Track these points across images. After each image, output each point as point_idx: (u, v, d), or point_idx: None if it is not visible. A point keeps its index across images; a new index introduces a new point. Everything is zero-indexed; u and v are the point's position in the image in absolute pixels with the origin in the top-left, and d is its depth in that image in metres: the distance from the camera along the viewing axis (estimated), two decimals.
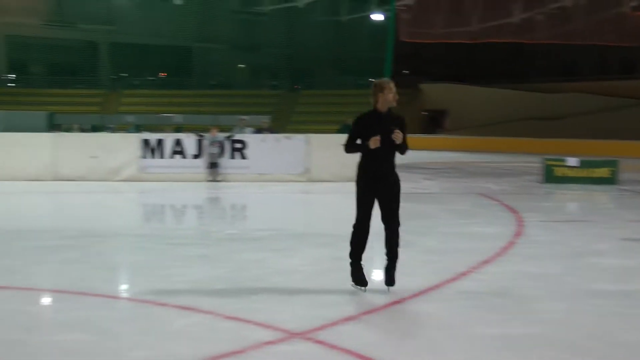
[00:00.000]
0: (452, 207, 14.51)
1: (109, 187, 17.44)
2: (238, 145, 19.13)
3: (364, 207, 6.72)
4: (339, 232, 10.61)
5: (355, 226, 6.78)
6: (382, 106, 6.63)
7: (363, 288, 6.78)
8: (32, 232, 10.53)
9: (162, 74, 57.88)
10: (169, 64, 56.88)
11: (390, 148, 6.60)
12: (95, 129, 37.27)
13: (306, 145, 19.08)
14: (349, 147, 6.77)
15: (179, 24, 54.07)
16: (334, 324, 5.68)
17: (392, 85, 6.64)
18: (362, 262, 6.88)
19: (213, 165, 18.83)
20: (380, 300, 6.48)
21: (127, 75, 56.37)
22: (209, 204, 15.77)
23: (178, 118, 39.56)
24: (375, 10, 51.26)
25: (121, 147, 18.93)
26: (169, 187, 17.45)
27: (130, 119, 41.49)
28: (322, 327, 5.55)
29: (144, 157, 18.79)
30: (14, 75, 55.39)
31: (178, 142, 19.03)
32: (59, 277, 7.53)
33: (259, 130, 22.04)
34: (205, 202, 15.97)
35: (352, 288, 6.82)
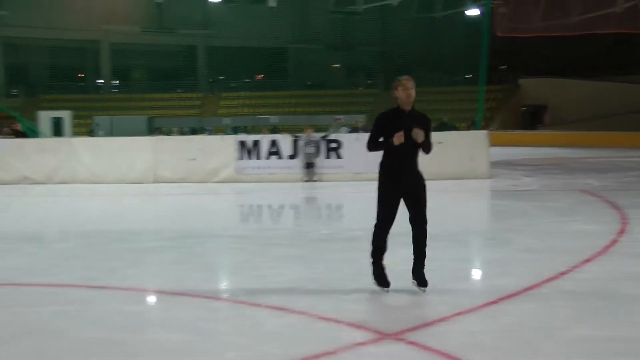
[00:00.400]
0: (552, 204, 14.10)
1: (207, 189, 17.78)
2: (333, 145, 19.17)
3: (385, 206, 6.53)
4: (434, 232, 10.45)
5: (376, 225, 6.62)
6: (402, 104, 6.50)
7: (386, 289, 6.61)
8: (133, 233, 10.83)
9: (258, 76, 58.67)
10: (265, 65, 57.62)
11: (413, 146, 6.45)
12: (193, 131, 38.08)
13: None
14: (372, 145, 6.60)
15: (274, 26, 54.70)
16: (427, 324, 5.59)
17: (406, 82, 6.48)
18: (384, 262, 6.70)
19: (309, 166, 18.93)
20: (475, 300, 6.35)
21: (224, 78, 57.40)
22: (304, 204, 15.86)
23: (274, 119, 40.03)
24: (470, 6, 50.50)
25: (218, 149, 19.26)
26: (265, 188, 17.65)
27: (227, 121, 42.21)
28: (414, 328, 5.47)
29: (241, 158, 19.07)
30: (117, 82, 57.25)
31: (274, 143, 19.23)
32: (158, 278, 7.70)
33: (353, 129, 22.02)
34: (301, 202, 16.07)
35: (448, 288, 6.71)
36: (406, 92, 6.45)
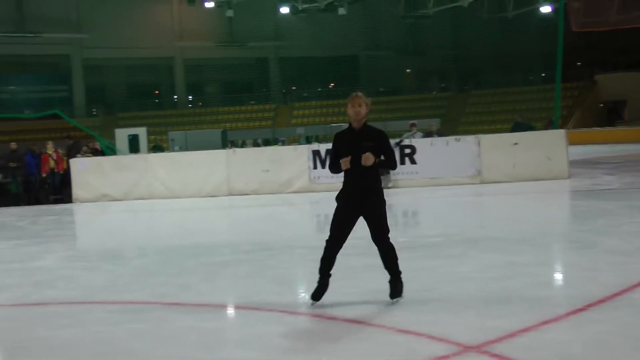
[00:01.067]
0: (637, 202, 13.53)
1: (281, 200, 17.76)
2: (407, 151, 18.91)
3: (337, 223, 6.50)
4: (513, 236, 10.20)
5: (327, 241, 6.57)
6: (353, 122, 6.37)
7: (314, 302, 6.53)
8: (207, 247, 10.81)
9: (330, 85, 58.73)
10: (337, 73, 57.60)
11: (365, 166, 6.24)
12: (267, 142, 38.31)
13: (477, 146, 18.55)
14: (332, 167, 6.58)
15: (345, 34, 54.67)
16: (511, 335, 5.31)
17: (355, 100, 6.31)
18: (329, 278, 6.61)
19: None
20: (560, 308, 6.04)
21: (296, 88, 57.66)
22: None
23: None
24: (543, 3, 49.44)
25: (292, 160, 19.23)
26: None
27: (300, 131, 42.31)
28: (498, 339, 5.20)
29: (314, 167, 18.99)
30: (192, 97, 58.15)
31: None
32: (232, 293, 7.61)
33: (427, 133, 21.70)
34: None
35: (530, 295, 6.42)
36: (354, 109, 6.30)
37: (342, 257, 9.14)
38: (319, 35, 54.55)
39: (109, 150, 23.47)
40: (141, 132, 26.99)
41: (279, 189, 18.90)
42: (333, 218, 6.54)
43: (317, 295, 6.58)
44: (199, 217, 16.13)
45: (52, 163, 20.96)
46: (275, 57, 58.33)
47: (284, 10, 53.23)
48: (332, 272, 6.65)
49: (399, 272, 6.62)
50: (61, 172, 20.85)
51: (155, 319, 6.47)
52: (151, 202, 19.08)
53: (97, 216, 17.42)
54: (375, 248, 9.12)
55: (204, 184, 19.31)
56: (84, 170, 20.04)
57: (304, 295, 7.39)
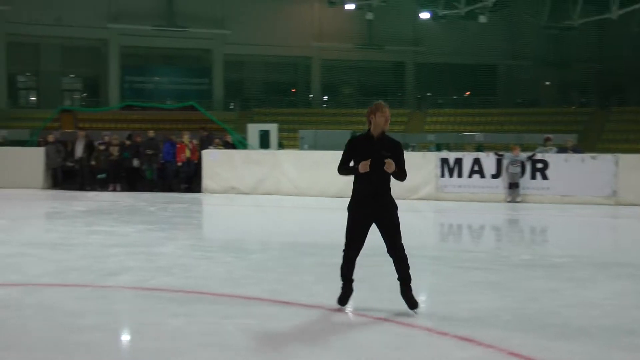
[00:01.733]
0: None
1: (406, 206, 17.44)
2: (539, 165, 18.27)
3: (352, 232, 6.64)
4: None
5: (344, 251, 6.72)
6: (374, 130, 6.51)
7: (341, 307, 6.69)
8: (326, 247, 10.74)
9: (466, 93, 57.76)
10: (474, 82, 56.55)
11: (383, 173, 6.44)
12: None
13: (614, 165, 17.68)
14: (341, 169, 6.75)
15: (484, 42, 53.63)
16: None
17: (386, 110, 6.50)
18: (352, 284, 6.80)
19: (512, 186, 18.17)
20: None
21: (431, 94, 57.06)
22: (506, 225, 15.17)
23: (479, 137, 39.11)
24: None
25: (420, 166, 18.94)
26: (466, 207, 17.12)
27: (431, 137, 41.83)
28: None
29: (442, 175, 18.65)
30: (326, 97, 58.63)
31: (477, 161, 18.63)
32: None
33: (562, 149, 20.90)
34: (503, 223, 15.39)
35: None
36: (384, 117, 6.48)
37: (463, 270, 8.89)
38: (458, 42, 53.73)
39: (240, 144, 23.93)
40: (272, 128, 27.37)
41: (405, 195, 18.64)
42: (347, 226, 6.70)
43: (343, 300, 6.76)
44: (322, 216, 16.15)
45: (188, 153, 21.57)
46: (413, 62, 57.92)
47: (424, 15, 52.74)
48: (354, 277, 6.84)
49: (410, 280, 6.72)
50: (195, 162, 21.42)
51: (264, 315, 6.44)
52: (277, 197, 19.29)
53: (223, 207, 17.76)
54: (497, 263, 8.79)
55: (330, 184, 19.32)
56: (215, 162, 20.50)
57: (420, 306, 7.19)
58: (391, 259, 6.80)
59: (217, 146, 21.77)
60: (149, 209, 16.61)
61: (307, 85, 58.98)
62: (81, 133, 23.19)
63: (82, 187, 21.91)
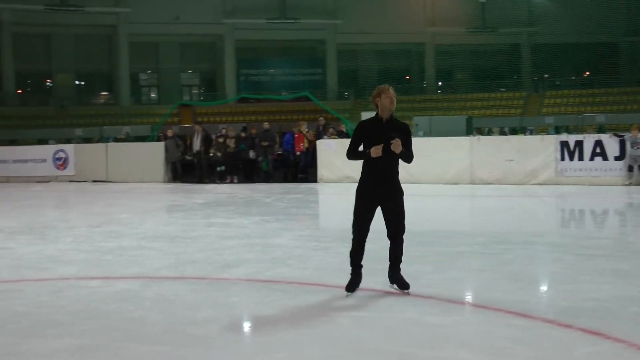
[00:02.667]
0: None
1: (524, 191, 17.02)
2: None
3: (360, 215, 6.66)
4: None
5: (353, 234, 6.75)
6: (382, 112, 6.54)
7: (348, 293, 6.67)
8: (444, 236, 10.54)
9: (585, 73, 55.67)
10: (593, 61, 54.41)
11: (392, 157, 6.44)
12: (514, 131, 37.09)
13: None
14: (351, 154, 6.70)
15: (604, 19, 51.44)
16: None
17: (390, 91, 6.55)
18: (362, 270, 6.81)
19: (632, 169, 17.34)
20: None
21: (548, 76, 55.33)
22: (629, 210, 14.47)
23: (600, 118, 37.54)
24: None
25: (538, 150, 18.35)
26: (587, 191, 16.46)
27: (549, 120, 40.51)
28: None
29: (562, 159, 17.99)
30: (441, 83, 57.85)
31: (598, 143, 17.87)
32: (462, 287, 7.29)
33: None
34: (626, 208, 14.69)
35: None
36: (389, 99, 6.52)
37: (586, 258, 8.50)
38: (576, 20, 51.78)
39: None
40: None
41: (523, 180, 18.15)
42: (355, 210, 6.73)
43: (351, 286, 6.74)
44: (438, 204, 15.88)
45: (306, 142, 21.72)
46: (528, 43, 56.33)
47: None
48: (362, 262, 6.86)
49: (401, 262, 6.94)
50: (311, 152, 21.54)
51: (379, 308, 6.34)
52: None
53: (338, 197, 17.74)
54: (623, 249, 8.41)
55: (445, 170, 19.03)
56: (330, 152, 20.53)
57: (541, 296, 6.92)
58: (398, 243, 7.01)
59: (330, 136, 21.80)
60: (265, 200, 16.79)
61: (420, 72, 58.41)
62: (198, 127, 23.73)
63: (200, 180, 22.44)
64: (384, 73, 57.06)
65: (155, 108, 51.01)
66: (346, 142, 21.15)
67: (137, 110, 51.58)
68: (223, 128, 24.46)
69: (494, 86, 54.21)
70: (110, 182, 23.22)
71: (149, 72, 57.10)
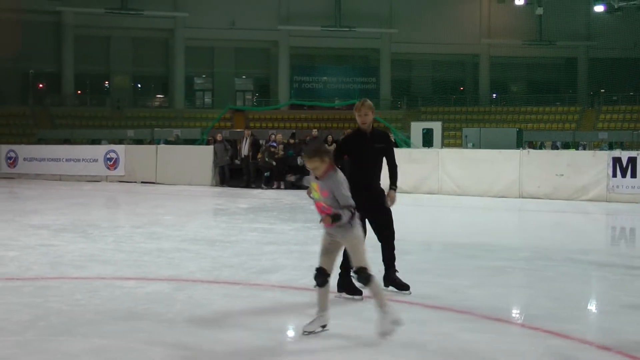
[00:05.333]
0: None
1: (574, 207, 16.66)
2: None
3: None
4: None
5: None
6: (362, 125, 6.93)
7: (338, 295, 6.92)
8: (486, 250, 10.33)
9: None
10: None
11: (375, 165, 6.96)
12: (566, 146, 36.43)
13: None
14: None
15: None
16: None
17: (362, 109, 6.86)
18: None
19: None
20: None
21: (605, 90, 54.28)
22: None
23: None
24: None
25: (590, 165, 17.96)
26: (639, 210, 16.03)
27: (603, 135, 39.74)
28: None
29: (614, 176, 17.57)
30: (495, 95, 57.22)
31: None
32: (500, 302, 7.08)
33: None
34: None
35: None
36: (361, 118, 6.89)
37: (634, 278, 8.21)
38: (635, 35, 50.68)
39: (402, 143, 23.70)
40: (436, 126, 26.92)
41: (573, 196, 17.77)
42: None
43: (350, 289, 6.94)
44: (485, 217, 15.62)
45: None
46: (586, 57, 55.37)
47: (598, 8, 50.11)
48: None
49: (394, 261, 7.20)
50: None
51: (414, 321, 6.19)
52: (439, 197, 18.93)
53: None
54: None
55: (494, 183, 18.75)
56: None
57: (581, 316, 6.69)
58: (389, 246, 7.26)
59: None
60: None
61: (474, 83, 57.88)
62: (247, 132, 23.83)
63: (247, 185, 22.51)
64: (438, 83, 56.71)
65: (209, 112, 51.46)
66: (394, 152, 20.95)
67: (191, 114, 52.13)
68: (272, 134, 24.51)
69: (549, 100, 53.42)
70: (158, 183, 23.43)
71: (203, 76, 57.65)
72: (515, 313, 6.73)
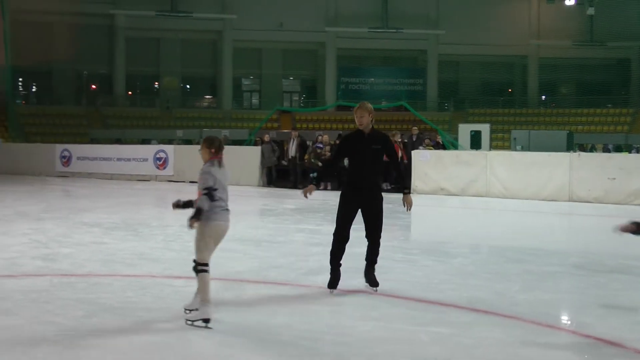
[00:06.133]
0: None
1: (626, 212, 16.31)
2: None
3: (343, 216, 7.16)
4: None
5: (334, 234, 7.21)
6: (359, 126, 7.19)
7: (332, 291, 7.15)
8: (535, 254, 10.21)
9: None
10: None
11: (373, 166, 7.14)
12: (618, 149, 35.80)
13: None
14: (328, 163, 8.98)
15: None
16: None
17: (359, 110, 7.14)
18: (340, 268, 7.23)
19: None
20: None
21: None
22: None
23: None
24: None
25: None
26: None
27: None
28: None
29: None
30: (544, 97, 56.52)
31: None
32: (548, 308, 6.98)
33: None
34: None
35: None
36: (358, 120, 7.16)
37: None
38: None
39: (450, 144, 23.57)
40: (484, 128, 26.69)
41: (625, 200, 17.45)
42: (338, 212, 7.23)
43: (332, 284, 7.20)
44: (533, 220, 15.43)
45: (400, 152, 21.56)
46: (639, 58, 54.35)
47: None
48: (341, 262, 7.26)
49: (376, 263, 7.42)
50: (405, 162, 21.34)
51: (461, 324, 6.17)
52: (487, 200, 18.75)
53: (430, 209, 17.50)
54: None
55: (543, 186, 18.51)
56: (425, 163, 20.31)
57: (635, 323, 6.58)
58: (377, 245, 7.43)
59: (426, 146, 21.57)
60: None
61: (523, 85, 57.23)
62: (294, 133, 23.91)
63: (294, 186, 22.57)
64: (485, 85, 56.19)
65: (256, 113, 51.79)
66: (442, 154, 20.89)
67: (238, 115, 52.51)
68: (319, 135, 24.56)
69: (600, 102, 52.54)
70: None
71: (251, 77, 58.00)
72: (565, 320, 6.66)
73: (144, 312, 6.35)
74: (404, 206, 7.34)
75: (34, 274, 8.04)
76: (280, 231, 12.19)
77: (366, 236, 7.33)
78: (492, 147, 30.96)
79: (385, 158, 7.38)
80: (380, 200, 7.26)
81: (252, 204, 18.52)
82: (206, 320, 5.86)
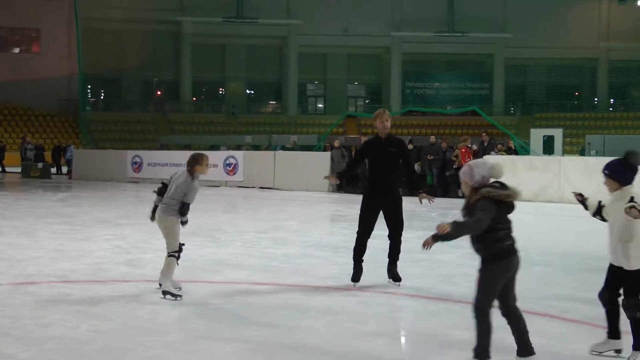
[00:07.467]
0: None
1: None
2: None
3: (364, 217, 7.76)
4: None
5: (357, 233, 7.87)
6: (379, 132, 7.70)
7: (355, 284, 7.70)
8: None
9: None
10: None
11: (391, 169, 7.63)
12: None
13: None
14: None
15: None
16: None
17: (383, 116, 7.67)
18: (362, 263, 7.82)
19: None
20: None
21: None
22: None
23: None
24: None
25: None
26: None
27: None
28: None
29: None
30: (613, 100, 55.33)
31: None
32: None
33: None
34: None
35: None
36: (382, 124, 7.67)
37: None
38: None
39: (522, 149, 23.23)
40: (557, 133, 26.23)
41: None
42: (360, 214, 7.84)
43: (355, 278, 7.77)
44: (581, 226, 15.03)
45: (470, 158, 21.36)
46: None
47: None
48: (364, 257, 7.84)
49: (398, 259, 7.91)
50: None
51: (552, 335, 6.05)
52: (561, 206, 18.39)
53: None
54: None
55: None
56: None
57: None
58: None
59: (499, 151, 21.31)
60: (429, 214, 16.58)
61: (592, 88, 56.13)
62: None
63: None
64: (553, 89, 55.35)
65: (321, 118, 52.00)
66: (514, 159, 20.54)
67: (304, 120, 52.78)
68: None
69: None
70: (276, 189, 23.79)
71: (316, 82, 58.27)
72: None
73: (232, 318, 6.41)
74: (421, 204, 7.85)
75: (121, 280, 8.19)
76: (354, 237, 12.13)
77: (389, 236, 7.86)
78: (565, 152, 30.42)
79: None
80: (399, 201, 7.77)
81: (324, 210, 18.56)
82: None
